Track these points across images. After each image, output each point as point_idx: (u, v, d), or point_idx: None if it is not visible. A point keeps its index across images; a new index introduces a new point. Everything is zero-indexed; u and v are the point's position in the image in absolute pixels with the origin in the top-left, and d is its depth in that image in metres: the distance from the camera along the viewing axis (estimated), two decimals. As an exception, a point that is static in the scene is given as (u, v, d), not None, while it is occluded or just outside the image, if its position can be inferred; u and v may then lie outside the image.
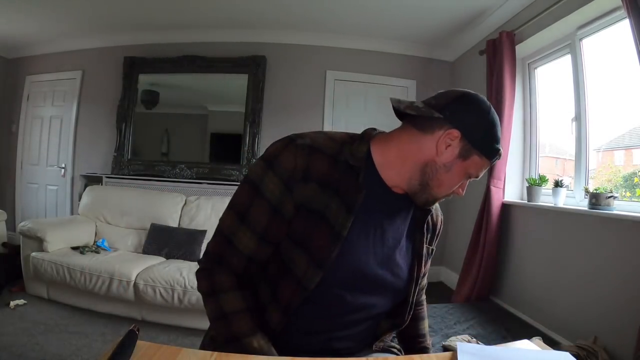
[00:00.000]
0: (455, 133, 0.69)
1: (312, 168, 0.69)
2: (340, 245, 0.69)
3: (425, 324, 0.97)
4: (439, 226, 0.88)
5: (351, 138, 0.75)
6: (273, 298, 0.73)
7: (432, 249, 0.87)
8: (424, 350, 0.93)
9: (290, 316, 0.72)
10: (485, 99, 0.73)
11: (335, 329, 0.76)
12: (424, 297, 0.98)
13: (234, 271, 0.73)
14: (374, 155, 0.74)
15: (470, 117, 0.70)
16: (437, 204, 0.87)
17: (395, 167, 0.73)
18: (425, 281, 0.96)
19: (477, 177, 0.74)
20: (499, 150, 0.72)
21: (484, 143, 0.70)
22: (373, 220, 0.74)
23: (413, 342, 0.94)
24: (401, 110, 0.72)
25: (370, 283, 0.74)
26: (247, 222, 0.71)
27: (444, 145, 0.69)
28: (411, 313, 0.83)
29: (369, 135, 0.76)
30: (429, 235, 0.84)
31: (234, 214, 0.73)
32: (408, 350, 0.93)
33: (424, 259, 0.82)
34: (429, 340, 0.95)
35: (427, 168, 0.71)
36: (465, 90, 0.73)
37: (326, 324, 0.75)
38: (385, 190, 0.74)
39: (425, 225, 0.83)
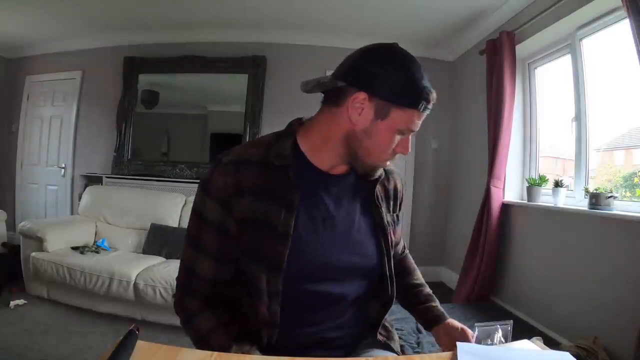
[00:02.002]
0: (362, 95, 0.65)
1: (242, 181, 0.70)
2: (289, 244, 0.69)
3: (418, 274, 0.95)
4: (399, 189, 0.86)
5: (277, 136, 0.75)
6: (254, 315, 0.72)
7: (397, 215, 0.86)
8: (429, 297, 0.89)
9: (278, 319, 0.72)
10: (395, 45, 0.68)
11: (322, 321, 0.76)
12: (407, 252, 0.98)
13: (202, 296, 0.75)
14: (301, 145, 0.73)
15: (374, 72, 0.64)
16: (392, 168, 0.86)
17: (322, 150, 0.72)
18: (402, 244, 0.95)
19: (413, 130, 0.69)
20: (422, 92, 0.65)
21: (399, 93, 0.65)
22: (318, 210, 0.73)
23: (414, 293, 0.91)
24: (308, 91, 0.71)
25: (338, 270, 0.74)
26: (201, 249, 0.73)
27: (355, 112, 0.66)
28: (394, 286, 0.81)
29: (293, 126, 0.76)
30: (386, 204, 0.83)
31: (189, 245, 0.76)
32: (414, 306, 0.89)
33: (388, 229, 0.80)
34: (428, 288, 0.92)
35: (349, 140, 0.69)
36: (367, 45, 0.68)
37: (313, 318, 0.75)
38: (322, 177, 0.74)
39: (382, 195, 0.81)
